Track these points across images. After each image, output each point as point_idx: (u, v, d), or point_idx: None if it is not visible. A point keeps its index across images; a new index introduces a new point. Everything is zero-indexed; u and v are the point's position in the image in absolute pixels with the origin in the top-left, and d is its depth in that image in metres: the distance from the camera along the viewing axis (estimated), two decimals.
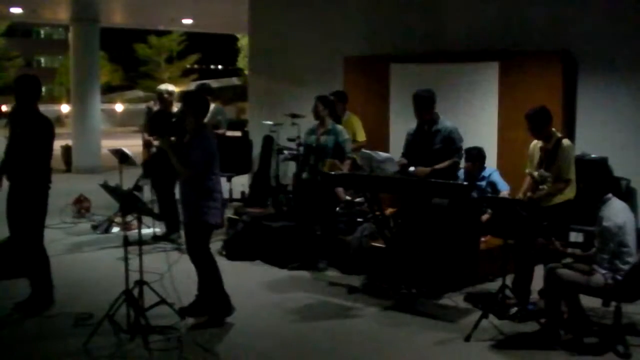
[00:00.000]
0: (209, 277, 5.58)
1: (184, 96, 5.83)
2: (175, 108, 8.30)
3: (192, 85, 34.45)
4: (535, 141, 5.87)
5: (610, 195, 5.06)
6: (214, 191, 5.49)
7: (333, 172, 6.67)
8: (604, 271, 4.90)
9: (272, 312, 5.92)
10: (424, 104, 6.53)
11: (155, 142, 8.00)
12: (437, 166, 6.46)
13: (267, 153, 10.39)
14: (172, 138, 5.56)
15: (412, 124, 6.87)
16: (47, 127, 5.69)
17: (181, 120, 5.64)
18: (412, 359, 5.03)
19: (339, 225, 7.32)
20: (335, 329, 5.57)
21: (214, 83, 28.04)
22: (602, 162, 7.10)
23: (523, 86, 7.82)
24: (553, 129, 5.78)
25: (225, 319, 5.55)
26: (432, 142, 6.53)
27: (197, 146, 5.42)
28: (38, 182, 5.69)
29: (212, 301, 5.60)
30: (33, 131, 5.61)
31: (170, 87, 8.54)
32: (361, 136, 8.42)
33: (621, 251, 4.88)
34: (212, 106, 8.99)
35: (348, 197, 7.53)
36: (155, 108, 8.42)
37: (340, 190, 7.26)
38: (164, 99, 8.27)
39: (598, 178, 5.28)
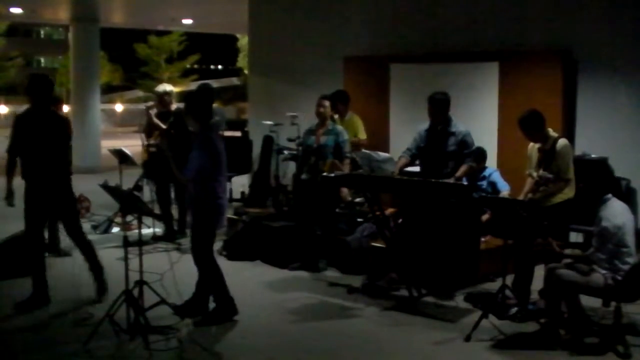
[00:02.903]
0: (210, 279, 5.58)
1: (186, 97, 5.76)
2: (174, 107, 8.31)
3: (193, 86, 34.42)
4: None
5: (609, 195, 5.06)
6: (217, 194, 5.45)
7: (333, 173, 6.67)
8: (603, 271, 4.90)
9: (272, 312, 5.92)
10: (440, 107, 6.51)
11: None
12: (457, 174, 6.41)
13: (267, 153, 10.39)
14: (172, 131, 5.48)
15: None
16: (65, 126, 5.88)
17: (178, 118, 5.61)
18: (412, 359, 5.03)
19: (339, 225, 7.32)
20: (335, 329, 5.57)
21: (214, 83, 28.03)
22: (602, 162, 7.10)
23: (523, 86, 7.81)
24: (549, 130, 5.78)
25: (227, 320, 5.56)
26: (445, 143, 6.49)
27: (197, 150, 5.38)
28: (58, 180, 5.83)
29: (217, 303, 5.59)
30: (52, 131, 5.75)
31: (168, 87, 8.55)
32: (362, 135, 8.40)
33: (621, 251, 4.89)
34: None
35: (348, 197, 7.53)
36: (154, 111, 8.35)
37: (344, 190, 7.25)
38: (164, 100, 8.26)
39: (598, 178, 5.28)
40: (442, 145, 6.51)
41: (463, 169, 6.47)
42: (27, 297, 5.84)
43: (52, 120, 5.81)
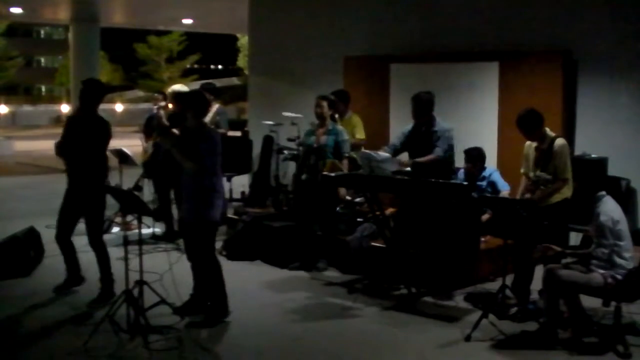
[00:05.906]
0: (211, 277, 5.58)
1: (186, 95, 5.80)
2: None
3: (193, 86, 34.37)
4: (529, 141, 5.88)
5: (604, 192, 5.09)
6: (216, 189, 5.49)
7: (334, 173, 6.67)
8: (602, 271, 4.91)
9: (272, 312, 5.92)
10: (423, 107, 6.53)
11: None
12: (418, 159, 6.46)
13: (267, 153, 10.39)
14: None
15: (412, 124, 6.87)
16: (105, 129, 6.09)
17: (175, 117, 5.62)
18: (412, 358, 5.03)
19: (339, 225, 7.32)
20: (335, 329, 5.57)
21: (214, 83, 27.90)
22: (597, 162, 7.10)
23: (523, 86, 7.81)
24: (547, 129, 5.78)
25: (221, 320, 5.56)
26: (429, 144, 6.52)
27: (203, 140, 5.43)
28: (96, 180, 6.01)
29: (213, 302, 5.59)
30: (94, 133, 6.00)
31: (183, 87, 8.49)
32: (360, 134, 8.35)
33: (618, 245, 4.91)
34: (216, 106, 8.98)
35: (348, 197, 7.53)
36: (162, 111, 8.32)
37: (342, 189, 7.26)
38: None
39: (591, 177, 5.30)
40: (426, 146, 6.51)
41: (429, 157, 6.47)
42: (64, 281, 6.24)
43: (95, 124, 6.06)
